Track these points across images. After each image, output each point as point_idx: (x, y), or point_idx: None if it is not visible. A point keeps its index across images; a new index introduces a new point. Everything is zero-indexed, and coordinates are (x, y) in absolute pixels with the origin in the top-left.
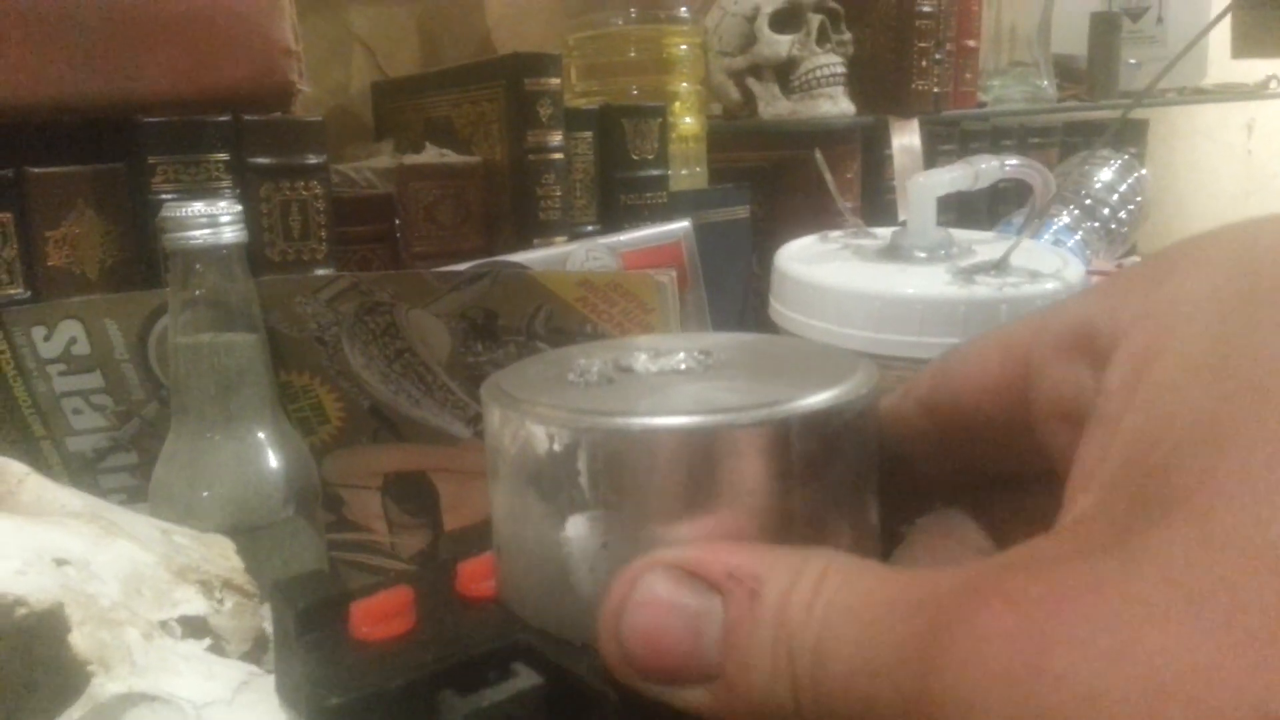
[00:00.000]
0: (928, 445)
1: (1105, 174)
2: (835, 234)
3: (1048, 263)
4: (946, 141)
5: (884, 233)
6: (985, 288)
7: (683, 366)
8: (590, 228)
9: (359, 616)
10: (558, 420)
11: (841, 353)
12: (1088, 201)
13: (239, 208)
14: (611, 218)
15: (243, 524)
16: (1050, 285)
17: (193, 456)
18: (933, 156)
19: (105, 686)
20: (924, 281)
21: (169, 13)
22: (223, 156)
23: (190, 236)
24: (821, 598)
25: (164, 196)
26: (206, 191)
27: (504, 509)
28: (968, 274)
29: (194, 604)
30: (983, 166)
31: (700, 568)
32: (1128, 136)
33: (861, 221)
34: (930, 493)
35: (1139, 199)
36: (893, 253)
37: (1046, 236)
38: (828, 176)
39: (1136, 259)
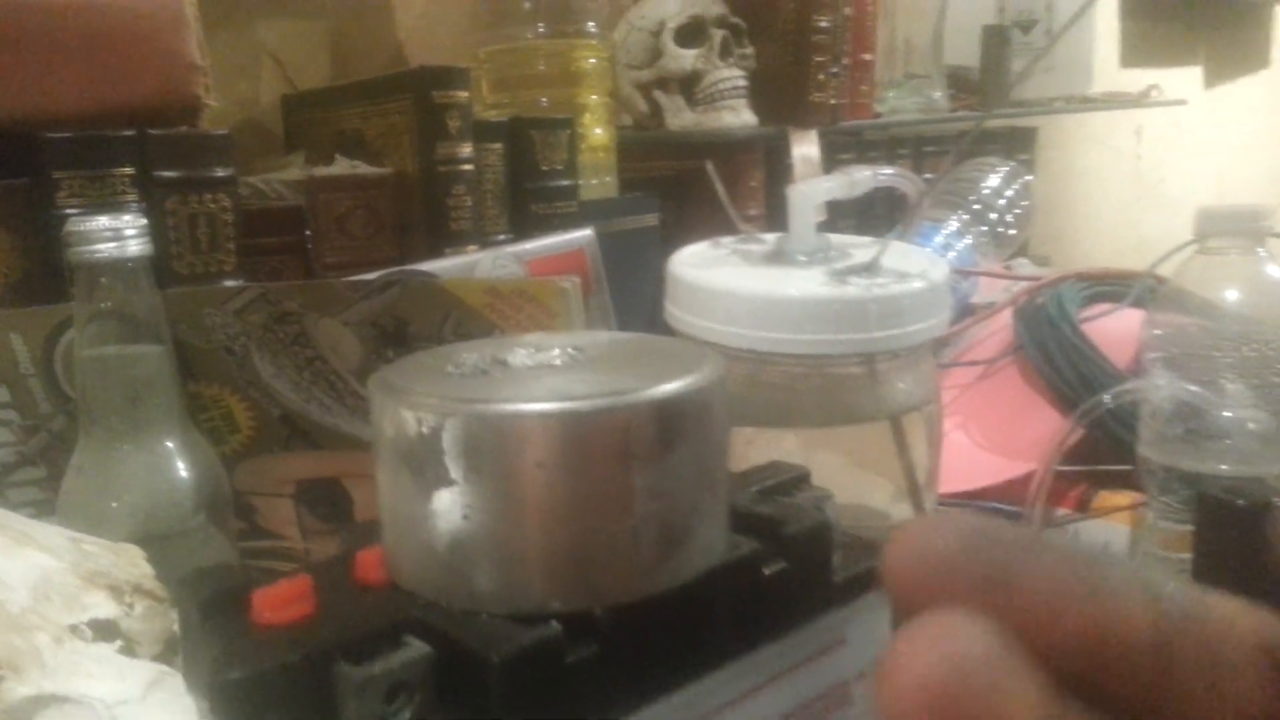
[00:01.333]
0: None
1: (993, 180)
2: (727, 240)
3: (915, 264)
4: (844, 151)
5: (770, 238)
6: (856, 288)
7: (557, 361)
8: (502, 237)
9: (260, 603)
10: (426, 406)
11: (696, 350)
12: (976, 207)
13: (144, 221)
14: (523, 227)
15: (153, 533)
16: (916, 284)
17: (101, 467)
18: (831, 165)
19: (16, 690)
20: (801, 283)
21: (73, 29)
22: (128, 170)
23: (95, 250)
24: None
25: (69, 211)
26: (112, 205)
27: (385, 488)
28: (842, 275)
29: (104, 608)
30: (857, 176)
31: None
32: (1018, 143)
33: (751, 228)
34: None
35: (1025, 203)
36: (776, 257)
37: (937, 240)
38: (718, 187)
39: (1024, 260)
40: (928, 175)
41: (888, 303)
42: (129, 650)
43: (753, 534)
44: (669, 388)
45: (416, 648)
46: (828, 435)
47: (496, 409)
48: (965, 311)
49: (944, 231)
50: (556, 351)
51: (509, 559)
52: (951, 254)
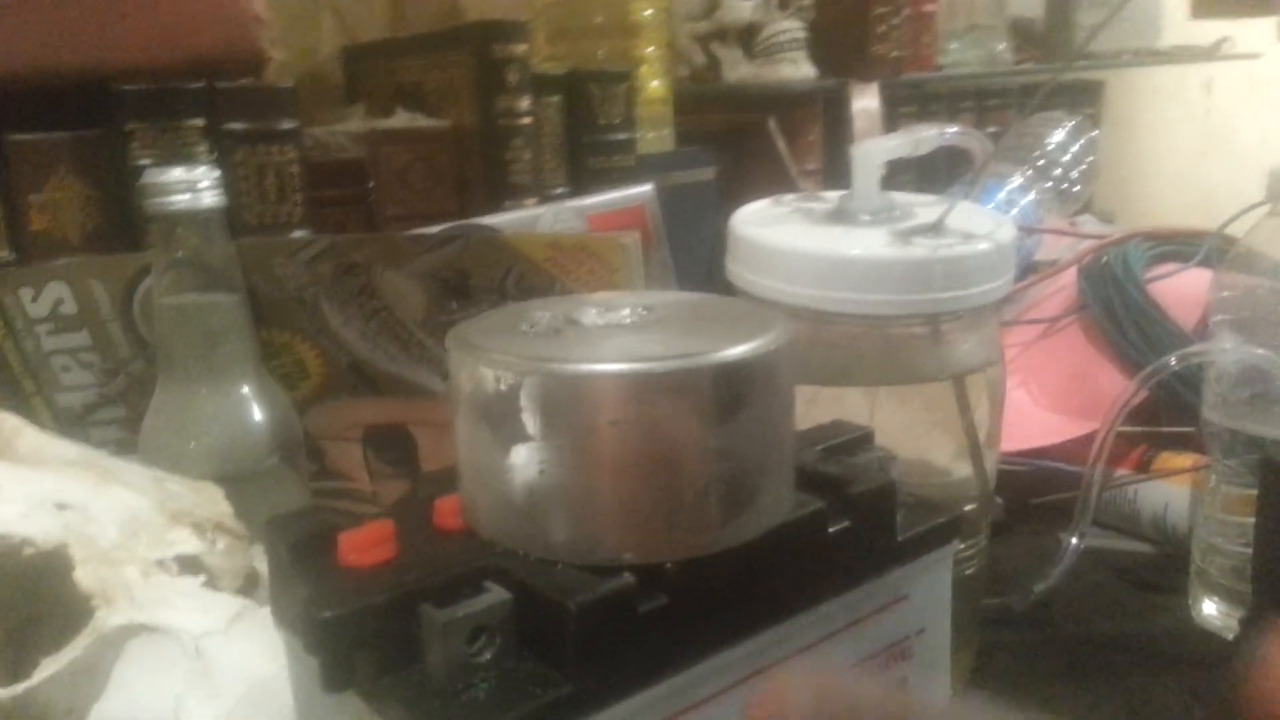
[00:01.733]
0: None
1: (1058, 135)
2: (788, 198)
3: (982, 224)
4: (906, 104)
5: (832, 196)
6: (920, 249)
7: (627, 321)
8: (560, 190)
9: (346, 546)
10: (504, 364)
11: (764, 312)
12: (1041, 162)
13: (217, 173)
14: (580, 180)
15: (229, 473)
16: (983, 246)
17: (179, 410)
18: (894, 119)
19: (108, 619)
20: (864, 243)
21: None
22: (198, 122)
23: (171, 201)
24: None
25: (142, 162)
26: (183, 157)
27: (464, 442)
28: (905, 236)
29: (188, 544)
30: (923, 135)
31: None
32: (1084, 97)
33: (810, 185)
34: None
35: (1090, 159)
36: (839, 216)
37: (1000, 197)
38: (780, 144)
39: (1089, 217)
40: (991, 129)
41: (953, 264)
42: (212, 585)
43: (818, 493)
44: (739, 350)
45: (497, 593)
46: (889, 393)
47: (573, 369)
48: (1028, 269)
49: (1007, 188)
50: (626, 311)
51: (583, 513)
52: (1014, 211)
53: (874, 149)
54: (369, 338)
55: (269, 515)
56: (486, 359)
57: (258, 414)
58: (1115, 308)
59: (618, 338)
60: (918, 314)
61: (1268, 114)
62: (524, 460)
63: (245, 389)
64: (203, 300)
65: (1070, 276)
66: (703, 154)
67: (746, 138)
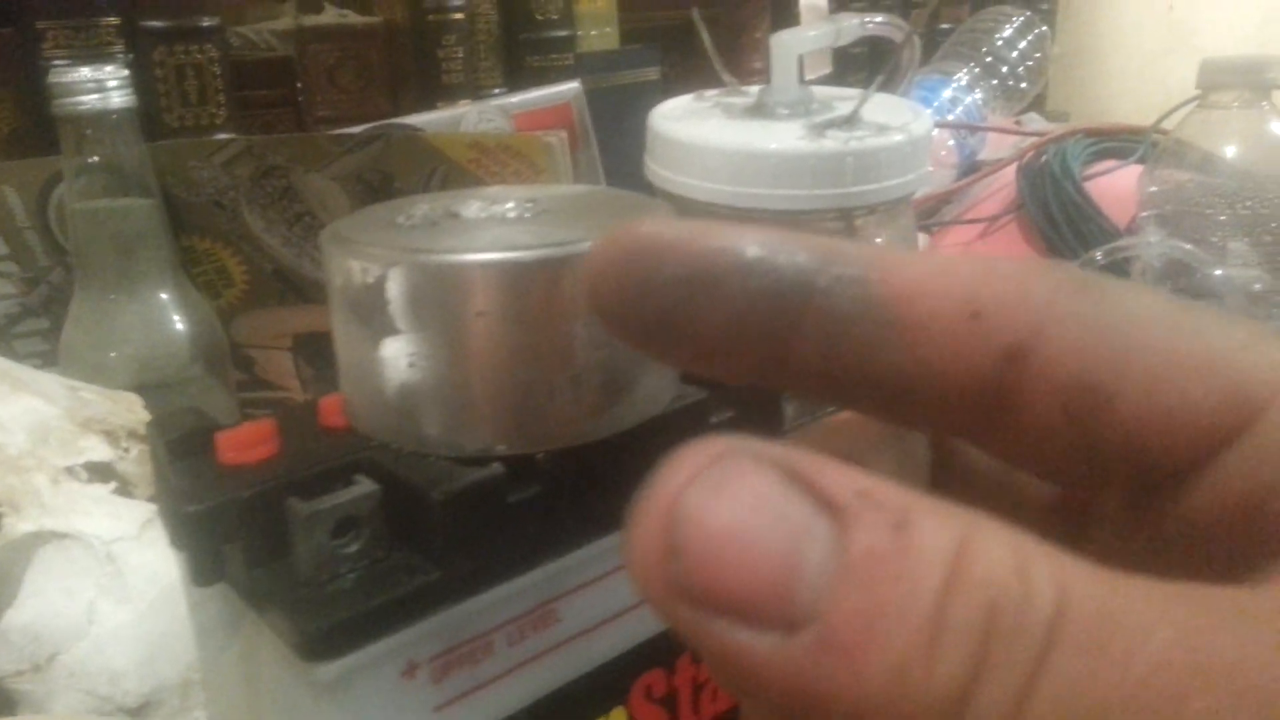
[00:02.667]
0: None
1: (1005, 31)
2: (711, 93)
3: (897, 116)
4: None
5: (753, 90)
6: (833, 141)
7: (512, 214)
8: (496, 90)
9: (224, 444)
10: (370, 256)
11: (649, 204)
12: (988, 59)
13: (125, 72)
14: (518, 80)
15: (151, 382)
16: (895, 138)
17: (98, 319)
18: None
19: (16, 526)
20: (778, 137)
21: None
22: (113, 20)
23: (79, 102)
24: (1045, 582)
25: (56, 62)
26: (99, 56)
27: (339, 337)
28: (820, 129)
29: (99, 451)
30: (844, 24)
31: (813, 475)
32: None
33: (735, 80)
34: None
35: (1038, 55)
36: (758, 110)
37: (945, 94)
38: (705, 36)
39: (1034, 115)
40: (945, 25)
41: (864, 156)
42: (124, 492)
43: (705, 385)
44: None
45: (365, 485)
46: None
47: (437, 259)
48: (971, 168)
49: (952, 85)
50: (511, 204)
51: (453, 405)
52: (959, 108)
53: (792, 39)
54: (293, 243)
55: None
56: (354, 251)
57: (178, 322)
58: (1050, 205)
59: (493, 229)
60: (830, 208)
61: (1232, 9)
62: (393, 354)
63: (164, 296)
64: (116, 205)
65: (1011, 175)
66: (647, 52)
67: (694, 34)
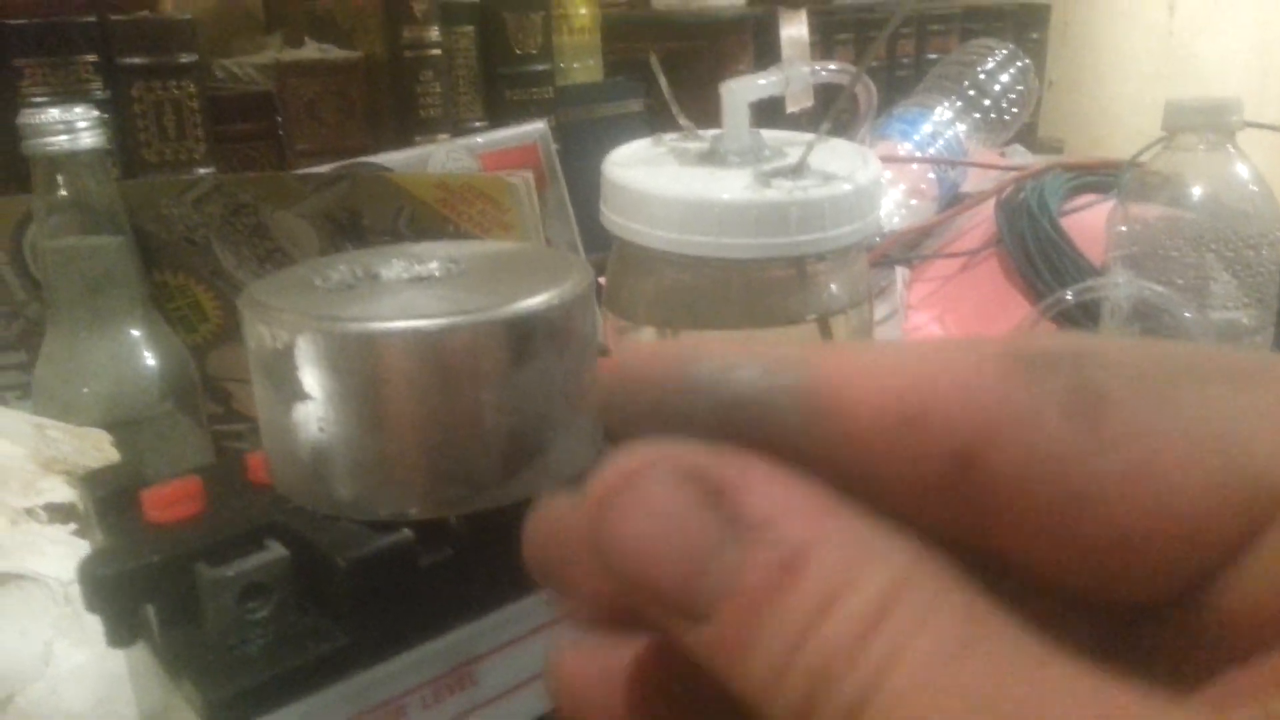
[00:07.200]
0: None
1: (988, 64)
2: (668, 137)
3: (845, 165)
4: (842, 31)
5: (709, 135)
6: (778, 191)
7: (436, 274)
8: (476, 124)
9: (149, 502)
10: (280, 322)
11: (567, 264)
12: (971, 92)
13: (95, 113)
14: (498, 113)
15: (121, 418)
16: (843, 188)
17: (69, 355)
18: (829, 47)
19: None
20: (727, 186)
21: None
22: (91, 58)
23: (49, 143)
24: (888, 633)
25: (35, 100)
26: (77, 94)
27: (257, 398)
28: (766, 178)
29: (59, 492)
30: (792, 72)
31: (732, 490)
32: (1028, 21)
33: (692, 125)
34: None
35: (1021, 88)
36: (710, 157)
37: (926, 128)
38: (661, 79)
39: (1018, 148)
40: (932, 56)
41: (809, 206)
42: (85, 533)
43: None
44: (520, 306)
45: (275, 551)
46: (756, 338)
47: (343, 327)
48: (953, 200)
49: (933, 118)
50: (435, 264)
51: (363, 470)
52: (940, 142)
53: (739, 88)
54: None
55: (166, 460)
56: (264, 316)
57: (148, 359)
58: (1027, 240)
59: (406, 293)
60: (778, 257)
61: (1234, 34)
62: (304, 418)
63: (135, 333)
64: (85, 243)
65: (991, 209)
66: (630, 84)
67: (677, 67)
